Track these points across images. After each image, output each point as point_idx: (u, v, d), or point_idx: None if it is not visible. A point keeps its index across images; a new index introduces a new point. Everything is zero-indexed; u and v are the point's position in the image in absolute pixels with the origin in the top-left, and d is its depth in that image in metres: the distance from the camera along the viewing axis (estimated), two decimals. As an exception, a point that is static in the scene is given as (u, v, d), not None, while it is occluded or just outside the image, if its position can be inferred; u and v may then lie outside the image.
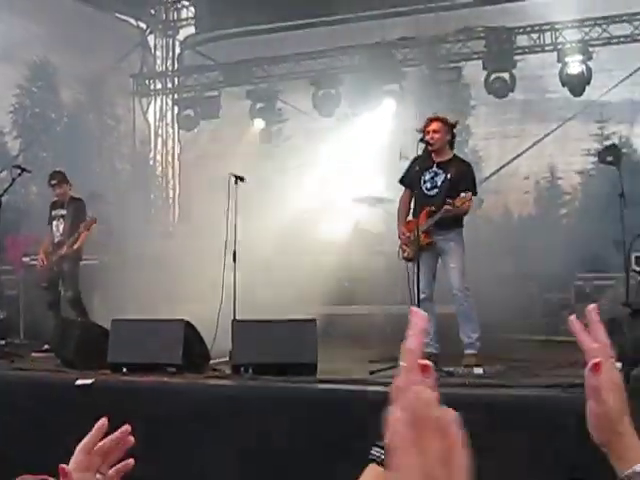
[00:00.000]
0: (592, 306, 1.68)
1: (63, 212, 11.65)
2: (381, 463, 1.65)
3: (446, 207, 9.03)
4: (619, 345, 6.21)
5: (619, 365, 1.59)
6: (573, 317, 1.67)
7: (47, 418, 7.74)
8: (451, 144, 9.59)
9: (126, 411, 7.53)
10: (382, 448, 1.60)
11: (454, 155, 9.58)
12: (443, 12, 16.98)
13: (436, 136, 9.34)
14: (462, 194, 9.02)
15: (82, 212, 11.66)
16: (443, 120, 9.56)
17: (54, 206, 11.84)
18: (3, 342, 11.66)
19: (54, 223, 11.73)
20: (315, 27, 17.52)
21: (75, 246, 11.36)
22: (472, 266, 9.47)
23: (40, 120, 20.45)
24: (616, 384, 1.63)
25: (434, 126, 9.42)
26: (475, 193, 9.36)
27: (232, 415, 7.30)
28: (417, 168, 9.36)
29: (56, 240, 11.63)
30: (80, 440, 1.84)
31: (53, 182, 11.69)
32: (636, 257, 11.05)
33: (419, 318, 1.59)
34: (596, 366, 1.62)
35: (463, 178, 9.28)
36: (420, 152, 9.31)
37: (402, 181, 9.81)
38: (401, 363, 1.57)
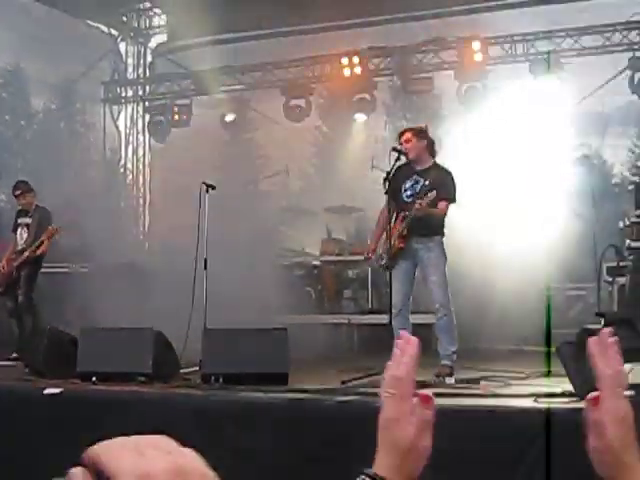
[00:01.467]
0: (606, 330, 1.63)
1: (28, 221, 11.63)
2: None
3: (415, 207, 9.01)
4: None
5: (629, 393, 1.51)
6: (594, 339, 1.62)
7: (15, 427, 7.64)
8: (431, 151, 9.58)
9: (95, 421, 7.48)
10: (369, 477, 1.54)
11: (434, 162, 9.56)
12: (413, 22, 17.03)
13: (408, 145, 9.35)
14: (429, 194, 9.01)
15: (46, 221, 11.63)
16: (411, 129, 9.61)
17: (20, 214, 11.83)
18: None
19: (18, 231, 11.73)
20: (286, 36, 17.53)
21: (37, 252, 11.33)
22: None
23: (10, 127, 20.35)
24: (621, 416, 1.57)
25: (405, 137, 9.46)
26: (453, 200, 9.31)
27: (202, 425, 7.23)
28: (402, 176, 9.35)
29: (19, 248, 11.59)
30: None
31: (17, 192, 11.70)
32: (607, 267, 11.09)
33: (409, 343, 1.54)
34: (595, 400, 1.57)
35: (442, 184, 9.22)
36: (392, 161, 9.30)
37: (386, 191, 9.75)
38: (389, 391, 1.52)
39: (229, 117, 18.80)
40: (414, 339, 1.53)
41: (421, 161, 9.44)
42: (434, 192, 9.00)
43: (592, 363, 1.58)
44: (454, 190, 9.34)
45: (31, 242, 11.39)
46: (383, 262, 9.49)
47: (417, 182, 9.33)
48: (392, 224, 9.30)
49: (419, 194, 9.19)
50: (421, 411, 1.53)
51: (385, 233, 9.33)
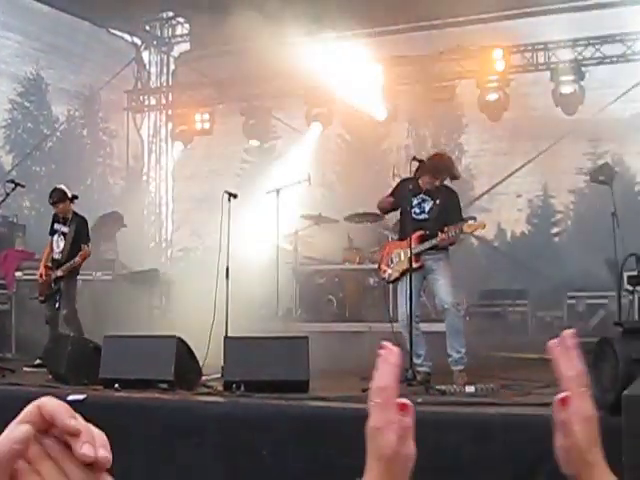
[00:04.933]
0: (568, 331, 1.66)
1: (65, 229, 11.49)
2: None
3: (441, 237, 9.15)
4: (611, 365, 6.22)
5: (591, 393, 1.54)
6: (553, 342, 1.65)
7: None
8: None
9: (118, 427, 7.54)
10: None
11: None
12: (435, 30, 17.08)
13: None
14: (454, 230, 9.20)
15: (84, 232, 11.59)
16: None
17: (56, 219, 11.67)
18: (-5, 356, 11.63)
19: (55, 237, 11.57)
20: (309, 45, 17.57)
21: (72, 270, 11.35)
22: (464, 284, 9.52)
23: (33, 135, 20.49)
24: (587, 415, 1.61)
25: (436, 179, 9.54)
26: (464, 221, 9.51)
27: (223, 432, 7.28)
28: (408, 190, 9.41)
29: (55, 256, 11.52)
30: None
31: (51, 201, 11.58)
32: (628, 276, 11.08)
33: (390, 353, 1.58)
34: (564, 400, 1.60)
35: (452, 206, 9.43)
36: (413, 171, 9.38)
37: (392, 194, 9.86)
38: (374, 401, 1.56)
39: (253, 143, 19.01)
40: (395, 348, 1.56)
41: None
42: (460, 225, 9.18)
43: (554, 366, 1.61)
44: (461, 210, 9.55)
45: (67, 255, 11.34)
46: (387, 277, 9.65)
47: (425, 201, 9.44)
48: (402, 239, 9.45)
49: (430, 214, 9.33)
50: (401, 419, 1.56)
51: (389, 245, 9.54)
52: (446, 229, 9.19)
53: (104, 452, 1.03)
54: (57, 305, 11.23)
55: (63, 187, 11.65)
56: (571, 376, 1.60)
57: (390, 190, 9.93)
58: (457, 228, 9.29)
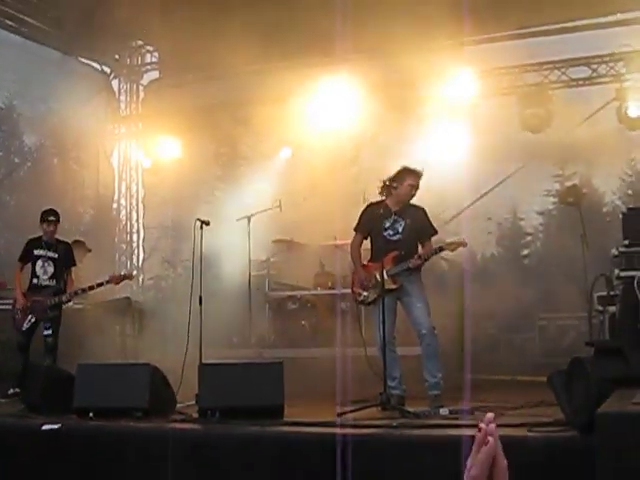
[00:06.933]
0: (490, 415, 1.70)
1: (52, 254, 11.38)
2: None
3: (416, 261, 9.26)
4: (583, 384, 6.29)
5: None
6: (486, 418, 1.68)
7: (13, 464, 7.69)
8: None
9: (93, 456, 7.54)
10: None
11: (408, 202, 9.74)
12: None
13: (414, 192, 9.59)
14: (429, 250, 9.38)
15: (73, 257, 11.61)
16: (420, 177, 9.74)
17: (37, 244, 11.48)
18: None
19: (39, 263, 11.39)
20: (277, 72, 17.63)
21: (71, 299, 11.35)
22: (434, 307, 9.58)
23: (4, 164, 20.43)
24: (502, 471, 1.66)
25: (416, 182, 9.60)
26: (435, 233, 9.64)
27: (199, 459, 7.29)
28: (377, 214, 9.48)
29: (44, 283, 11.40)
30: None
31: (52, 218, 11.37)
32: (598, 297, 11.18)
33: (484, 434, 1.61)
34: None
35: (422, 222, 9.55)
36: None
37: (357, 227, 9.92)
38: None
39: (222, 150, 18.99)
40: (491, 436, 1.59)
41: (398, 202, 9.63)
42: (436, 247, 9.34)
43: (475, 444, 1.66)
44: (432, 223, 9.65)
45: (60, 280, 11.31)
46: (363, 299, 9.68)
47: (397, 222, 9.51)
48: (375, 261, 9.50)
49: (404, 234, 9.42)
50: None
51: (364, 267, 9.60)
52: (421, 253, 9.32)
53: None
54: (50, 332, 11.08)
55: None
56: (504, 466, 1.64)
57: (355, 222, 9.98)
58: (434, 249, 9.41)
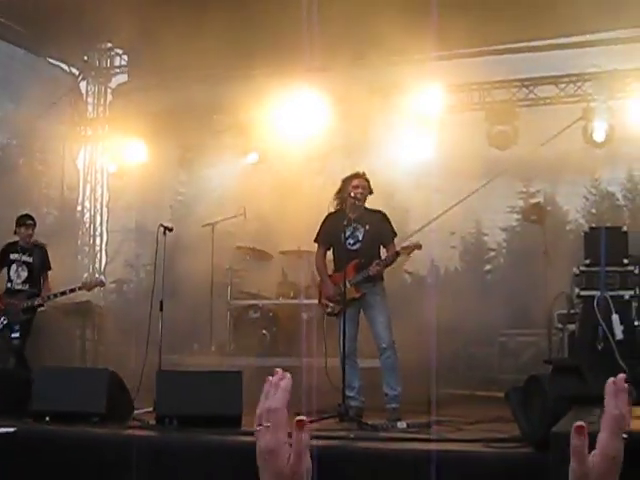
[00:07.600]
0: (621, 376, 1.70)
1: (27, 259, 11.38)
2: None
3: (375, 268, 9.25)
4: (540, 401, 6.32)
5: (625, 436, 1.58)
6: (612, 380, 1.69)
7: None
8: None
9: (48, 460, 7.47)
10: None
11: (365, 208, 9.74)
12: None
13: (363, 191, 9.55)
14: (383, 250, 9.37)
15: (48, 260, 11.59)
16: (366, 178, 9.74)
17: (12, 249, 11.56)
18: None
19: (13, 267, 11.44)
20: (245, 80, 17.60)
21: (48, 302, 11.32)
22: (396, 320, 9.61)
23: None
24: (612, 455, 1.64)
25: (358, 182, 9.60)
26: (396, 235, 9.69)
27: (156, 466, 7.25)
28: (337, 224, 9.50)
29: (17, 287, 11.38)
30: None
31: (29, 222, 11.49)
32: (558, 314, 11.26)
33: (280, 377, 1.64)
34: (579, 428, 1.64)
35: (382, 227, 9.57)
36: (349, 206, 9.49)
37: (318, 239, 9.94)
38: (264, 424, 1.61)
39: (188, 156, 18.92)
40: (288, 374, 1.61)
41: (356, 209, 9.64)
42: (392, 254, 9.36)
43: (605, 401, 1.66)
44: (392, 225, 9.65)
45: (35, 284, 11.28)
46: (330, 310, 9.68)
47: (356, 229, 9.54)
48: (338, 271, 9.51)
49: (364, 242, 9.43)
50: (297, 436, 1.61)
51: (326, 278, 9.62)
52: (378, 261, 9.33)
53: None
54: (17, 334, 11.02)
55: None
56: (614, 415, 1.65)
57: (315, 234, 10.00)
58: (392, 254, 9.43)
